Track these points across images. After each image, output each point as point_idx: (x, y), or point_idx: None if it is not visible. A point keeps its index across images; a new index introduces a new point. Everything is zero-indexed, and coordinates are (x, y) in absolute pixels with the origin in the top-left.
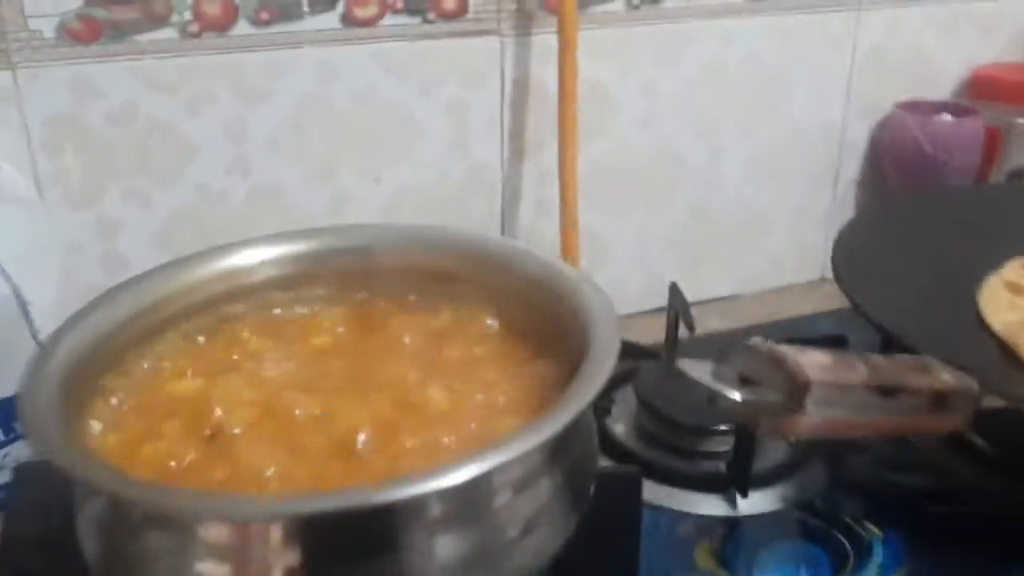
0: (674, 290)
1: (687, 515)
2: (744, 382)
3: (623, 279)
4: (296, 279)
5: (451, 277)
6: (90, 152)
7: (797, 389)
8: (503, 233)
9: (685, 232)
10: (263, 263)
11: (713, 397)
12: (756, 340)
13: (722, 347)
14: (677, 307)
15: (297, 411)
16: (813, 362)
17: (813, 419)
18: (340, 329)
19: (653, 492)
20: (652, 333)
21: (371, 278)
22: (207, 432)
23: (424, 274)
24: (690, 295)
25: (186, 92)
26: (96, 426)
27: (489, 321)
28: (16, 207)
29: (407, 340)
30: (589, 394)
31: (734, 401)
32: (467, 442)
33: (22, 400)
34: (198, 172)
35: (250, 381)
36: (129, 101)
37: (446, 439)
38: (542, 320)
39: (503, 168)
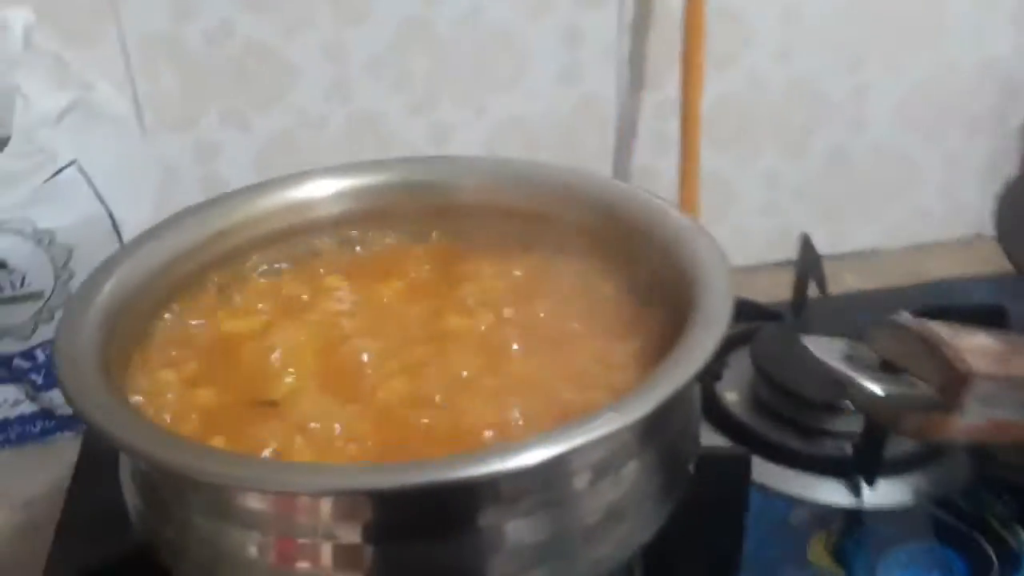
0: (805, 243)
1: (802, 502)
2: (886, 368)
3: (747, 228)
4: (375, 214)
5: (543, 218)
6: (188, 73)
7: (955, 382)
8: (615, 172)
9: (821, 179)
10: (340, 194)
11: (844, 385)
12: (904, 316)
13: (861, 324)
14: (807, 262)
15: (365, 359)
16: (976, 348)
17: (972, 421)
18: (419, 272)
19: (764, 472)
20: (776, 289)
21: (456, 216)
22: (264, 380)
23: (513, 214)
24: (823, 248)
25: (283, 12)
26: (143, 369)
27: (584, 270)
28: (113, 127)
29: (491, 287)
30: (692, 367)
31: (872, 394)
32: (551, 411)
33: (57, 342)
34: (297, 96)
35: (317, 324)
36: (225, 20)
37: (527, 406)
38: (646, 272)
39: (618, 100)
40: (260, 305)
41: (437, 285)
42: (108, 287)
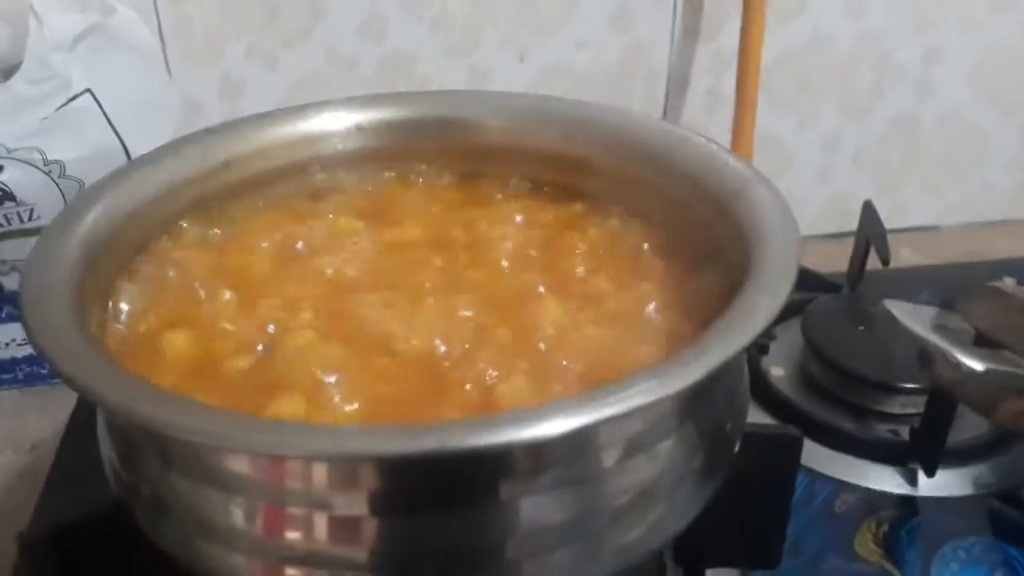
0: (868, 210)
1: (851, 487)
2: (981, 343)
3: (802, 194)
4: (395, 151)
5: (582, 164)
6: (214, 2)
7: None
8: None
9: (884, 146)
10: (358, 128)
11: (931, 359)
12: (1007, 283)
13: (950, 289)
14: (869, 231)
15: (371, 311)
16: None
17: None
18: (438, 217)
19: (811, 454)
20: (829, 261)
21: (484, 158)
22: (261, 327)
23: (549, 158)
24: (882, 220)
25: None
26: (125, 309)
27: (626, 221)
28: (134, 56)
29: (521, 237)
30: (748, 333)
31: (968, 370)
32: (582, 375)
33: (26, 274)
34: (328, 33)
35: (321, 272)
36: None
37: (555, 368)
38: (698, 225)
39: (671, 49)
40: (263, 244)
41: (457, 234)
42: (92, 215)
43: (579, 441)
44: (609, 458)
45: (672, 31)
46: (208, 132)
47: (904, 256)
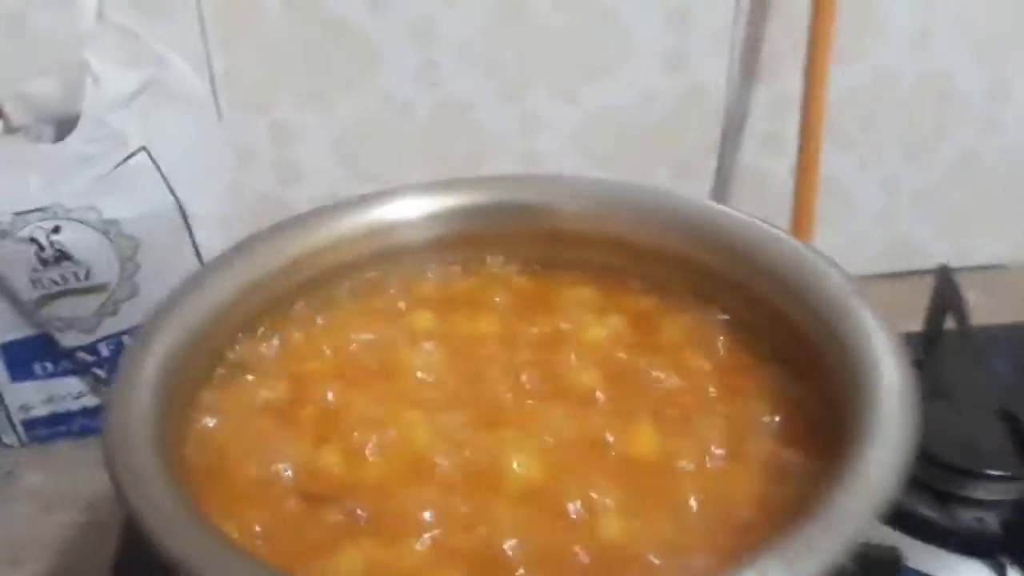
0: (944, 276)
1: None
2: None
3: (861, 236)
4: (464, 239)
5: (658, 253)
6: (266, 49)
7: None
8: (719, 172)
9: (947, 184)
10: (430, 216)
11: None
12: None
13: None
14: (947, 297)
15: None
16: None
17: None
18: (514, 310)
19: (893, 543)
20: (888, 302)
21: (552, 245)
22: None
23: (626, 246)
24: (943, 260)
25: None
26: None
27: (705, 314)
28: (187, 108)
29: (595, 335)
30: (870, 505)
31: None
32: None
33: (108, 420)
34: (382, 79)
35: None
36: None
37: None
38: (789, 332)
39: (727, 91)
40: (326, 350)
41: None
42: (167, 333)
43: None
44: None
45: (728, 73)
46: (277, 229)
47: (970, 299)
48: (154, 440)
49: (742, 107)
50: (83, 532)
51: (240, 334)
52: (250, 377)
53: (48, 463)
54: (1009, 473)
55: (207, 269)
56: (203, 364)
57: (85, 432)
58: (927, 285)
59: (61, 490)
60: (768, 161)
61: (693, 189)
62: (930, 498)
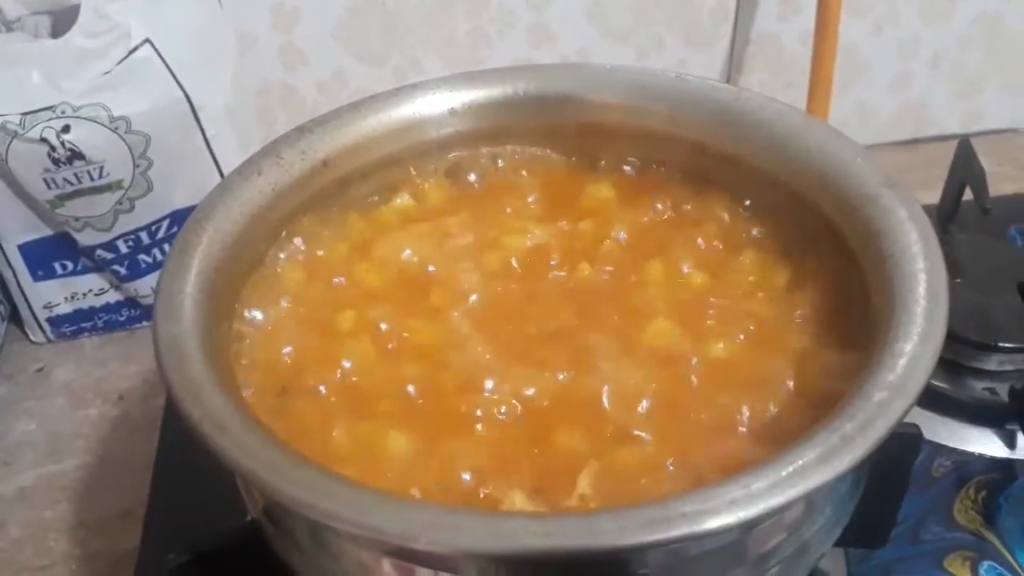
0: (965, 149)
1: (948, 450)
2: None
3: (873, 104)
4: (491, 132)
5: (694, 145)
6: None
7: None
8: (734, 36)
9: (965, 43)
10: (452, 112)
11: None
12: None
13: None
14: (965, 173)
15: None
16: None
17: None
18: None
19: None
20: (901, 171)
21: (589, 137)
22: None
23: (655, 138)
24: (955, 127)
25: None
26: (248, 333)
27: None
28: None
29: (623, 236)
30: (905, 400)
31: None
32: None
33: (157, 328)
34: None
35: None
36: None
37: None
38: (820, 222)
39: None
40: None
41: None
42: (205, 244)
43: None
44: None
45: None
46: (302, 131)
47: (983, 164)
48: (202, 349)
49: None
50: (115, 425)
51: (274, 238)
52: (287, 277)
53: (76, 358)
54: (1021, 345)
55: (237, 175)
56: (240, 270)
57: (109, 327)
58: (941, 153)
59: (91, 384)
60: (782, 26)
61: (708, 57)
62: (942, 370)
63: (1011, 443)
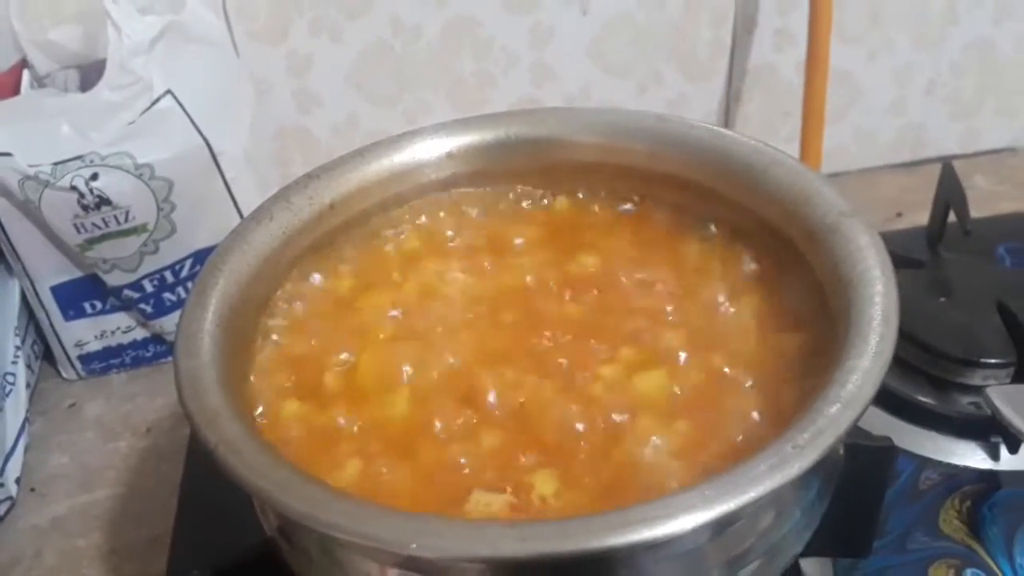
0: (948, 172)
1: (935, 463)
2: None
3: (871, 128)
4: (485, 174)
5: (668, 179)
6: None
7: None
8: (731, 68)
9: (959, 69)
10: (450, 156)
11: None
12: None
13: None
14: (949, 195)
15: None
16: None
17: None
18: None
19: (894, 429)
20: (899, 193)
21: (576, 178)
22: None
23: (637, 174)
24: (953, 148)
25: None
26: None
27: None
28: (206, 47)
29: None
30: (855, 409)
31: None
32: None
33: (178, 364)
34: (390, 2)
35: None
36: None
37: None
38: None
39: None
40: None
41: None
42: (221, 284)
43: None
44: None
45: None
46: (310, 178)
47: (977, 183)
48: (218, 381)
49: (751, 5)
50: (144, 456)
51: (286, 278)
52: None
53: (106, 394)
54: (1004, 360)
55: (251, 221)
56: (254, 308)
57: (137, 363)
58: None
59: (120, 418)
60: (776, 57)
61: (707, 89)
62: (928, 386)
63: (995, 455)
